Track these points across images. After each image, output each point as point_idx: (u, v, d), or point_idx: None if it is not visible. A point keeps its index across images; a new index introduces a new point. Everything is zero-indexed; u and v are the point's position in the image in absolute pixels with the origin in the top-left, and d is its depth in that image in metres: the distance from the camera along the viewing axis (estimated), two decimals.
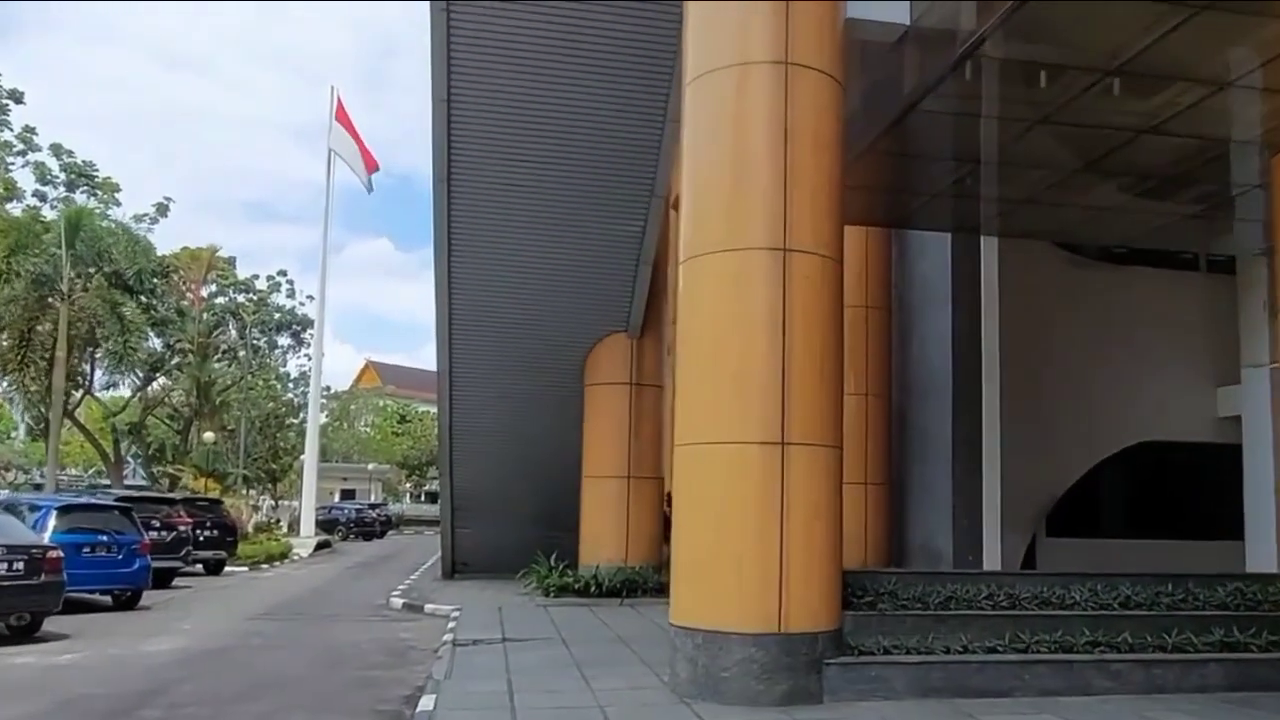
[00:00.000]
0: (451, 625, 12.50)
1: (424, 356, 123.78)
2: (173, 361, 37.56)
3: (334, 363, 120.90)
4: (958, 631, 8.44)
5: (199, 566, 21.35)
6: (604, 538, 15.60)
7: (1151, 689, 8.17)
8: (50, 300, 30.38)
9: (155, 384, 39.15)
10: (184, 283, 37.43)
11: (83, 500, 17.80)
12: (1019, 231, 14.25)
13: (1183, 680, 8.25)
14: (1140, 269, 16.47)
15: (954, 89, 9.46)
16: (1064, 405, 15.51)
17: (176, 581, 18.62)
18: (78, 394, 35.18)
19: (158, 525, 18.10)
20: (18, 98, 31.13)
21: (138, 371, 36.07)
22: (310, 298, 41.28)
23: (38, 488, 38.07)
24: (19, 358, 31.93)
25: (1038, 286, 15.50)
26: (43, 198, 32.55)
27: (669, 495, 18.32)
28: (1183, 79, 8.97)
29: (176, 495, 25.27)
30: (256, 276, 42.20)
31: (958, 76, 9.18)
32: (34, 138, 31.87)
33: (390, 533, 46.32)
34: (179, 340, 36.49)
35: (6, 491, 32.93)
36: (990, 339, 14.97)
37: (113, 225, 32.61)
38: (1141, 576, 9.39)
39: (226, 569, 22.66)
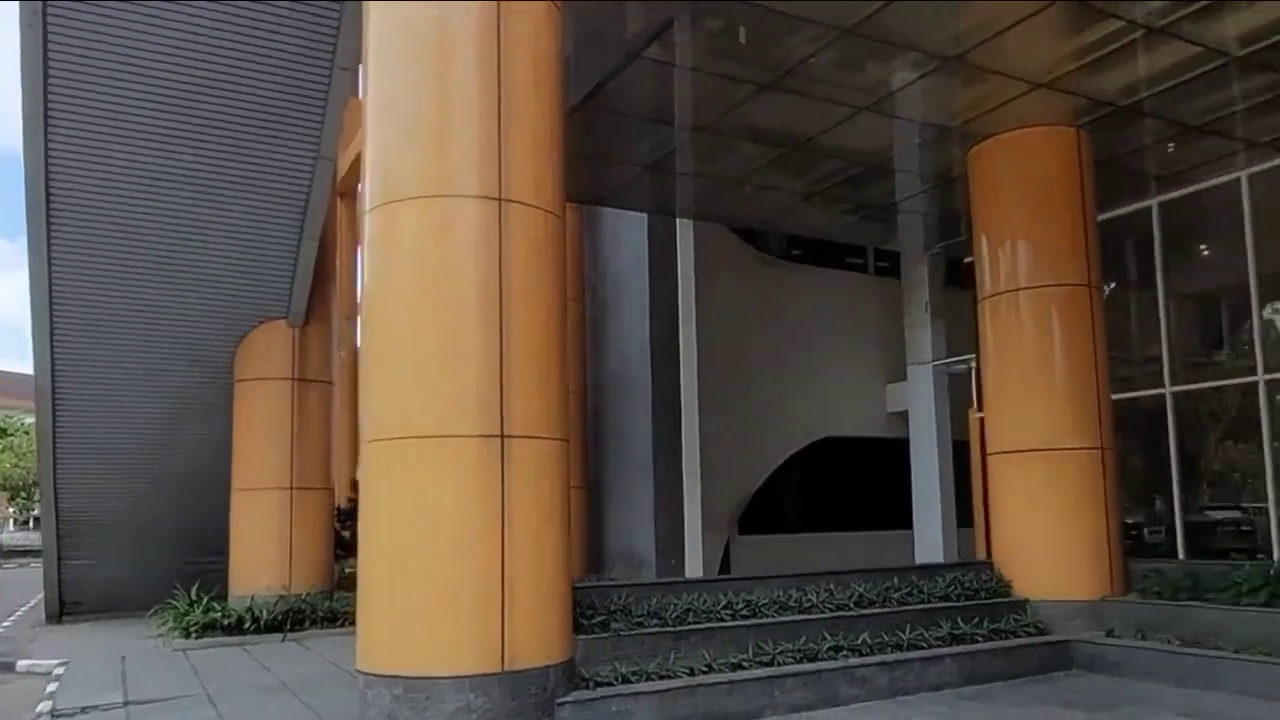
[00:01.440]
0: (52, 687, 9.49)
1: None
2: None
3: None
4: (700, 648, 7.35)
5: None
6: (261, 561, 12.95)
7: (896, 692, 7.60)
8: None
9: None
10: None
11: None
12: (720, 216, 13.81)
13: (923, 680, 7.77)
14: (820, 270, 16.83)
15: (669, 47, 8.52)
16: (756, 403, 15.35)
17: None
18: None
19: None
20: None
21: None
22: None
23: None
24: None
25: (730, 284, 15.23)
26: None
27: (341, 509, 16.03)
28: (907, 49, 8.61)
29: None
30: None
31: (672, 34, 8.27)
32: None
33: None
34: None
35: None
36: (688, 335, 14.40)
37: None
38: (871, 572, 8.91)
39: None
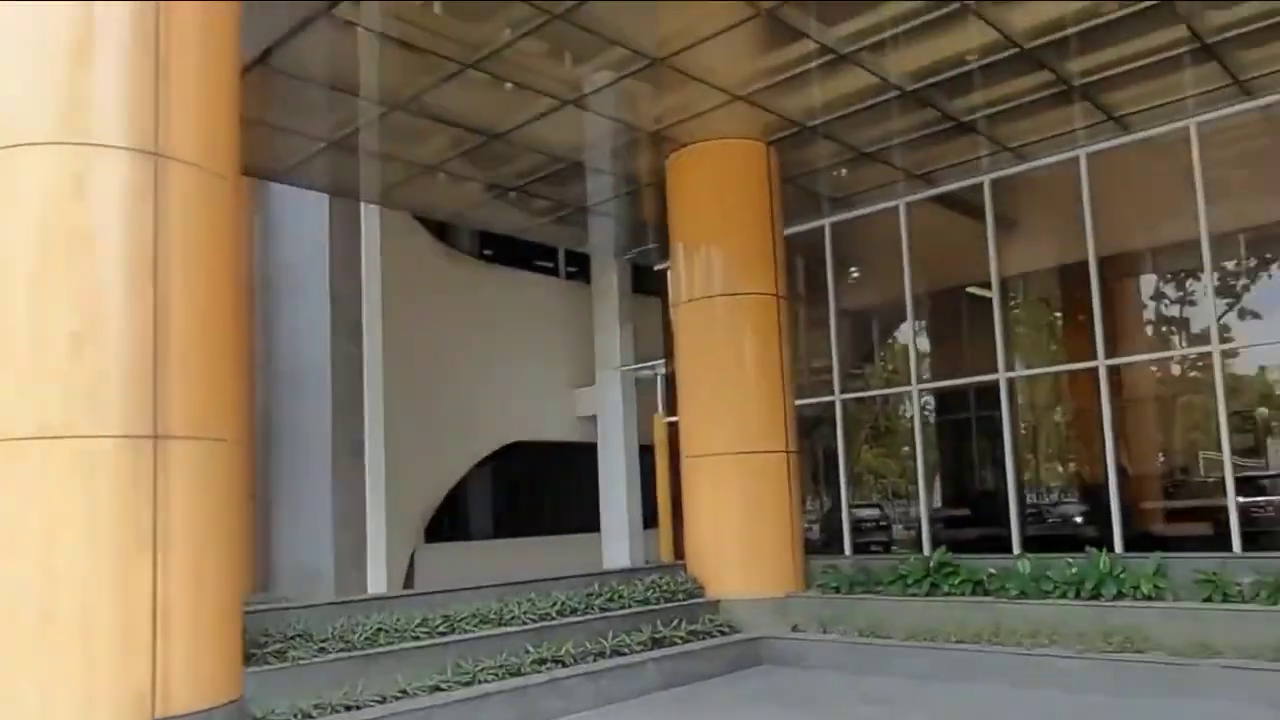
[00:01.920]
0: None
1: None
2: None
3: None
4: (394, 672, 6.61)
5: None
6: None
7: (601, 701, 7.33)
8: None
9: None
10: None
11: None
12: (411, 206, 12.99)
13: (628, 686, 7.57)
14: (511, 270, 16.50)
15: (358, 7, 7.75)
16: (444, 405, 14.66)
17: None
18: None
19: None
20: None
21: None
22: None
23: None
24: None
25: (419, 280, 14.43)
26: None
27: None
28: (615, 45, 8.44)
29: None
30: None
31: None
32: None
33: None
34: None
35: None
36: (373, 332, 13.41)
37: None
38: (573, 579, 8.62)
39: None
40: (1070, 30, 8.27)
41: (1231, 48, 8.59)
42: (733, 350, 9.70)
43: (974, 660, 7.41)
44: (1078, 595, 7.61)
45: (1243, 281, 13.83)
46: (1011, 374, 10.96)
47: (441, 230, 15.51)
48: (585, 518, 16.30)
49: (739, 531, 9.39)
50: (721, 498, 9.48)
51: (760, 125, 9.96)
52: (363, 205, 13.04)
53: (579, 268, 17.44)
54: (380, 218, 13.33)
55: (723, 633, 8.77)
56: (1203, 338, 14.10)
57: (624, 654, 7.82)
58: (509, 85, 8.98)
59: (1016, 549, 9.82)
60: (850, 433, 12.24)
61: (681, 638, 8.37)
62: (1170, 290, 14.45)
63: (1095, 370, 10.33)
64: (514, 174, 11.32)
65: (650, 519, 16.14)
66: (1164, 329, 15.05)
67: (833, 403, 12.07)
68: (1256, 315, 12.50)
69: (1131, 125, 10.06)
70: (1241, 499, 14.47)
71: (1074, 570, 7.79)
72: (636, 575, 9.23)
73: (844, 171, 11.34)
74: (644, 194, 11.91)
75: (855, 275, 13.77)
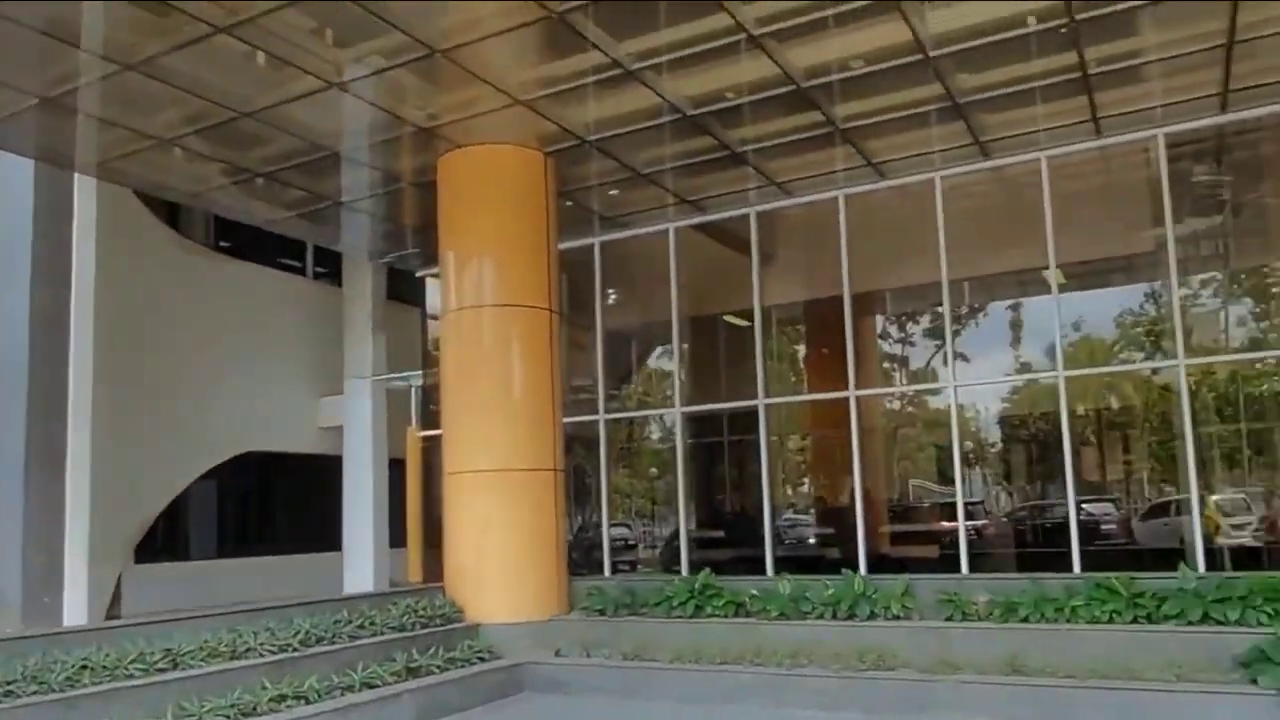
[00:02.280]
0: None
1: None
2: None
3: None
4: (100, 718, 5.63)
5: None
6: None
7: None
8: None
9: None
10: None
11: None
12: (136, 182, 11.51)
13: None
14: (252, 266, 15.19)
15: None
16: (166, 411, 13.18)
17: None
18: None
19: None
20: None
21: None
22: None
23: None
24: None
25: (140, 269, 12.92)
26: None
27: None
28: (394, 29, 7.84)
29: None
30: None
31: None
32: None
33: None
34: None
35: None
36: (82, 325, 11.75)
37: None
38: (318, 604, 7.85)
39: None
40: (841, 75, 8.64)
41: (977, 109, 9.35)
42: (502, 363, 9.32)
43: (737, 681, 7.46)
44: (834, 616, 7.88)
45: (968, 325, 15.27)
46: (770, 400, 11.32)
47: (172, 214, 13.98)
48: (325, 535, 15.21)
49: (503, 552, 8.99)
50: (486, 516, 9.03)
51: (540, 134, 9.69)
52: (77, 177, 11.41)
53: (329, 268, 16.35)
54: (98, 194, 11.74)
55: (483, 659, 8.32)
56: (926, 376, 15.39)
57: (376, 686, 7.18)
58: (266, 58, 8.12)
59: (770, 570, 10.11)
60: (619, 451, 12.21)
61: (439, 666, 7.83)
62: (909, 328, 15.66)
63: (843, 400, 10.88)
64: (263, 158, 10.31)
65: (398, 538, 15.31)
66: (893, 365, 16.29)
67: (595, 421, 11.96)
68: (964, 358, 13.79)
69: (887, 172, 10.72)
70: (948, 524, 15.97)
71: (831, 592, 8.06)
72: (390, 599, 8.59)
73: (618, 190, 11.30)
74: (409, 194, 11.26)
75: (618, 296, 13.79)
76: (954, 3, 7.48)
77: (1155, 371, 14.10)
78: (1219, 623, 6.66)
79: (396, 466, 15.44)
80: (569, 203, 11.20)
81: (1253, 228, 11.02)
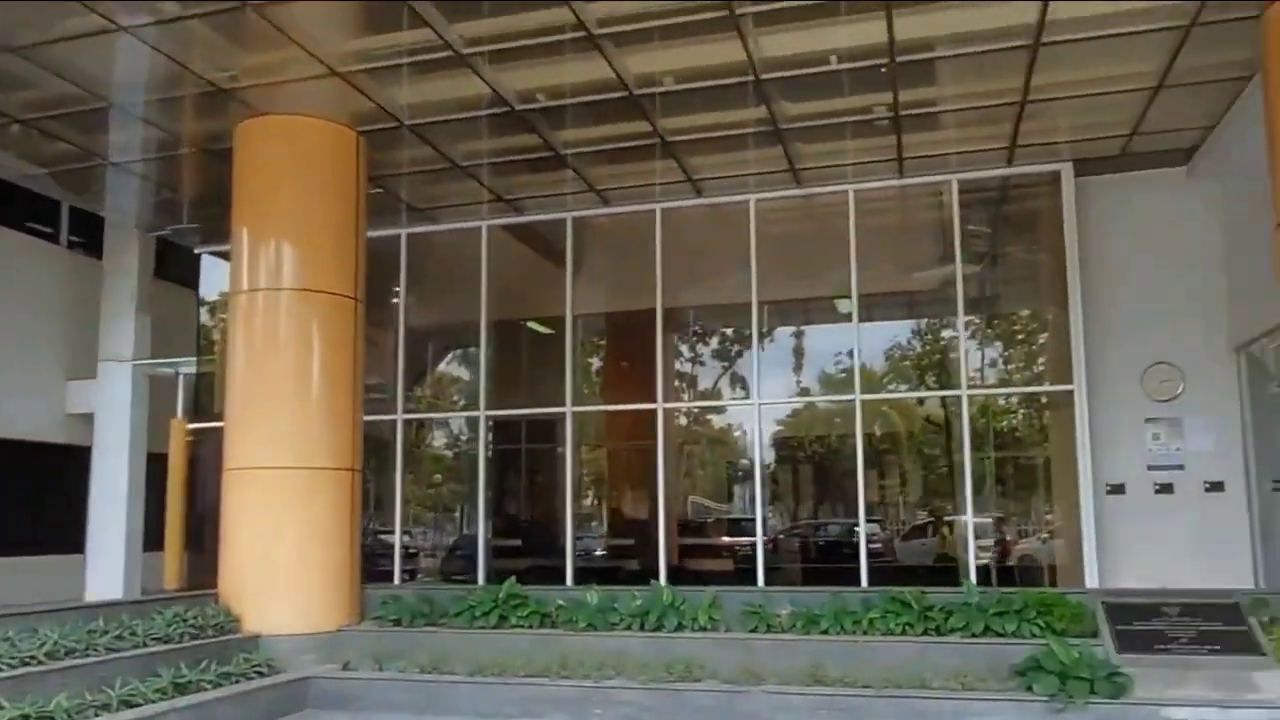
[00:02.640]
0: None
1: None
2: None
3: None
4: None
5: None
6: None
7: None
8: None
9: None
10: None
11: None
12: None
13: None
14: None
15: None
16: None
17: None
18: None
19: None
20: None
21: None
22: None
23: None
24: None
25: None
26: None
27: None
28: None
29: None
30: None
31: None
32: None
33: None
34: None
35: None
36: None
37: None
38: (69, 611, 6.89)
39: None
40: (671, 87, 8.65)
41: (795, 137, 9.66)
42: (300, 353, 8.61)
43: (542, 694, 7.20)
44: (642, 627, 7.80)
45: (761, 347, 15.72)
46: (578, 408, 11.18)
47: None
48: (65, 535, 13.55)
49: (291, 557, 8.27)
50: (272, 518, 8.28)
51: (355, 111, 9.05)
52: None
53: (87, 237, 14.65)
54: None
55: (261, 674, 7.56)
56: (714, 394, 15.74)
57: (137, 705, 6.33)
58: None
59: (570, 580, 9.93)
60: (406, 455, 11.64)
61: (211, 682, 7.04)
62: (700, 348, 15.98)
63: (644, 413, 10.92)
64: (22, 103, 9.05)
65: (153, 540, 13.88)
66: (683, 383, 16.48)
67: (393, 422, 11.37)
68: (744, 383, 14.27)
69: (704, 190, 10.90)
70: (733, 539, 16.46)
71: (639, 603, 7.99)
72: (154, 607, 7.69)
73: (433, 181, 10.82)
74: (194, 160, 10.17)
75: (422, 292, 13.21)
76: (790, 30, 7.67)
77: (922, 402, 15.20)
78: (998, 634, 7.13)
79: (155, 461, 14.05)
80: (378, 189, 10.60)
81: (1010, 277, 11.96)
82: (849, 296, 10.58)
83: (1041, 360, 11.25)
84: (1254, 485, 9.38)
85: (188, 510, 13.39)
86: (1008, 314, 12.16)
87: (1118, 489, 9.63)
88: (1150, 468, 9.66)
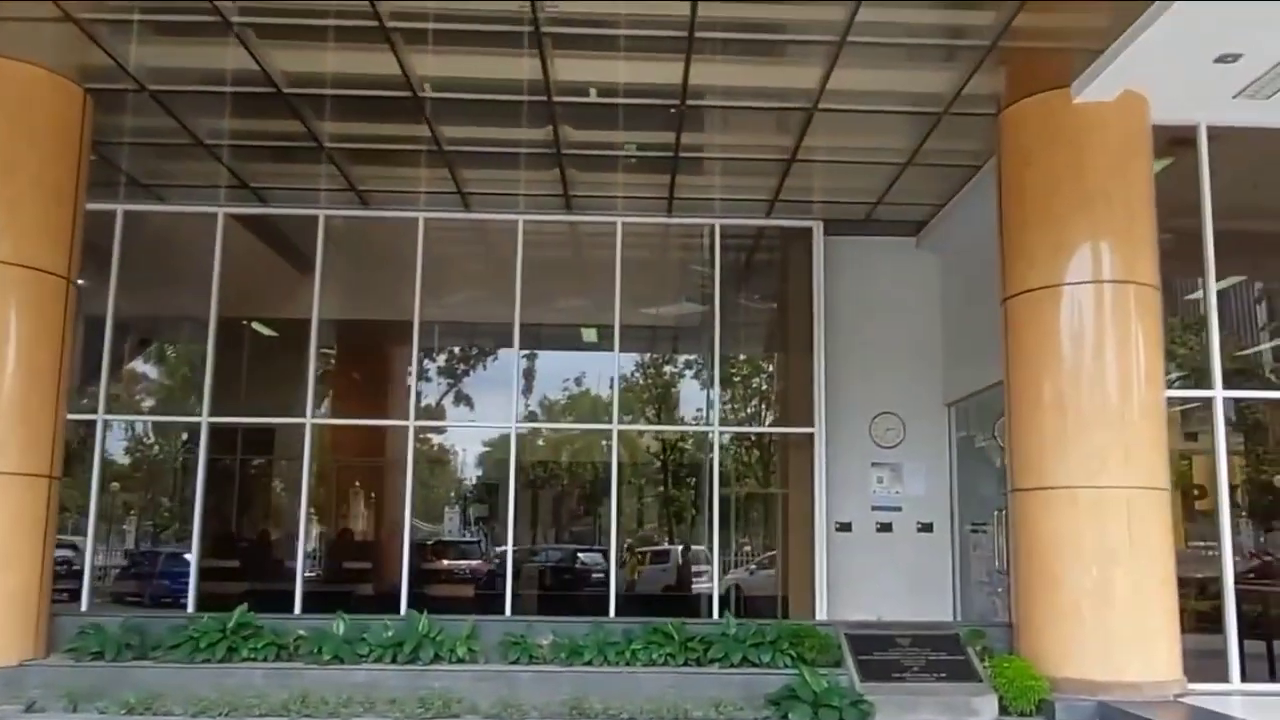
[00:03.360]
0: None
1: None
2: None
3: None
4: None
5: None
6: None
7: None
8: None
9: None
10: None
11: None
12: None
13: None
14: None
15: None
16: None
17: None
18: None
19: None
20: None
21: None
22: None
23: None
24: None
25: None
26: None
27: None
28: None
29: None
30: None
31: None
32: None
33: None
34: None
35: None
36: None
37: None
38: None
39: None
40: (458, 95, 8.28)
41: (461, 161, 9.51)
42: None
43: None
44: (394, 659, 7.25)
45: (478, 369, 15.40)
46: (319, 420, 10.34)
47: None
48: None
49: None
50: None
51: (86, 65, 7.85)
52: None
53: None
54: None
55: None
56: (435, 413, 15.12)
57: None
58: None
59: (299, 608, 9.10)
60: (105, 460, 10.17)
61: None
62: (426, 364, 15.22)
63: (374, 429, 10.32)
64: None
65: None
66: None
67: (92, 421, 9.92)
68: (469, 401, 14.03)
69: (472, 204, 10.54)
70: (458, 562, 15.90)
71: (390, 633, 7.44)
72: None
73: (166, 156, 9.61)
74: None
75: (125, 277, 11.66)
76: (585, 57, 7.63)
77: (641, 434, 15.53)
78: (754, 665, 7.36)
79: None
80: (94, 156, 9.23)
81: (751, 321, 12.62)
82: (603, 325, 10.66)
83: (772, 404, 11.90)
84: (957, 527, 10.51)
85: None
86: (747, 357, 12.67)
87: (845, 527, 10.39)
88: (874, 508, 10.53)
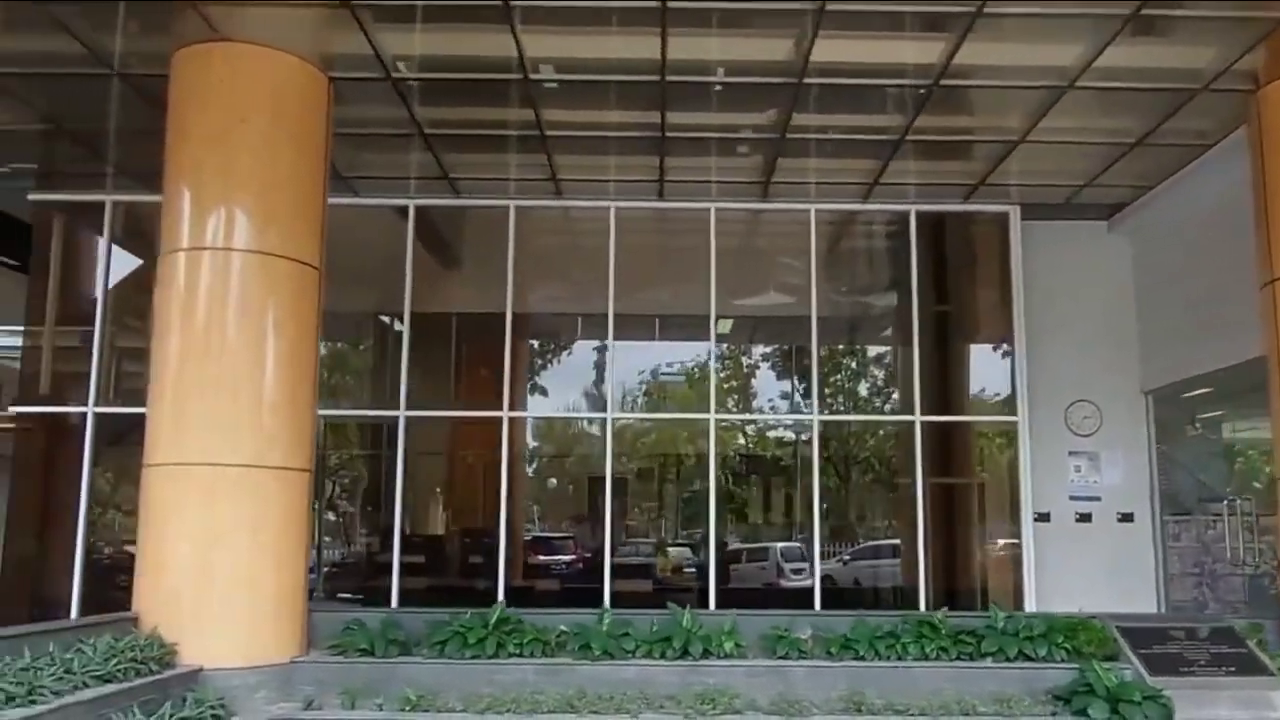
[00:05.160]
0: None
1: None
2: None
3: None
4: None
5: None
6: None
7: None
8: None
9: None
10: None
11: None
12: None
13: None
14: None
15: None
16: None
17: None
18: None
19: None
20: None
21: None
22: None
23: None
24: None
25: None
26: None
27: None
28: None
29: None
30: None
31: None
32: None
33: None
34: None
35: None
36: None
37: None
38: None
39: None
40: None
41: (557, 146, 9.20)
42: (253, 328, 7.12)
43: None
44: (664, 655, 7.10)
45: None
46: (523, 414, 10.19)
47: None
48: None
49: (236, 574, 6.75)
50: (213, 526, 6.71)
51: (333, 53, 7.59)
52: None
53: None
54: None
55: (217, 717, 6.10)
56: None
57: None
58: None
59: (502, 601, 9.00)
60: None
61: None
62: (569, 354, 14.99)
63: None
64: None
65: None
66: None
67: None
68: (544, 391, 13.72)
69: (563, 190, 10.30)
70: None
71: (656, 628, 7.29)
72: (78, 634, 5.99)
73: (365, 147, 9.45)
74: (91, 84, 8.12)
75: None
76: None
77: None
78: (1029, 659, 7.17)
79: None
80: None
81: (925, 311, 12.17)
82: (715, 316, 10.35)
83: (964, 393, 11.56)
84: (1157, 517, 10.25)
85: None
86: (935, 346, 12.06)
87: (1044, 517, 10.16)
88: (1072, 498, 10.28)
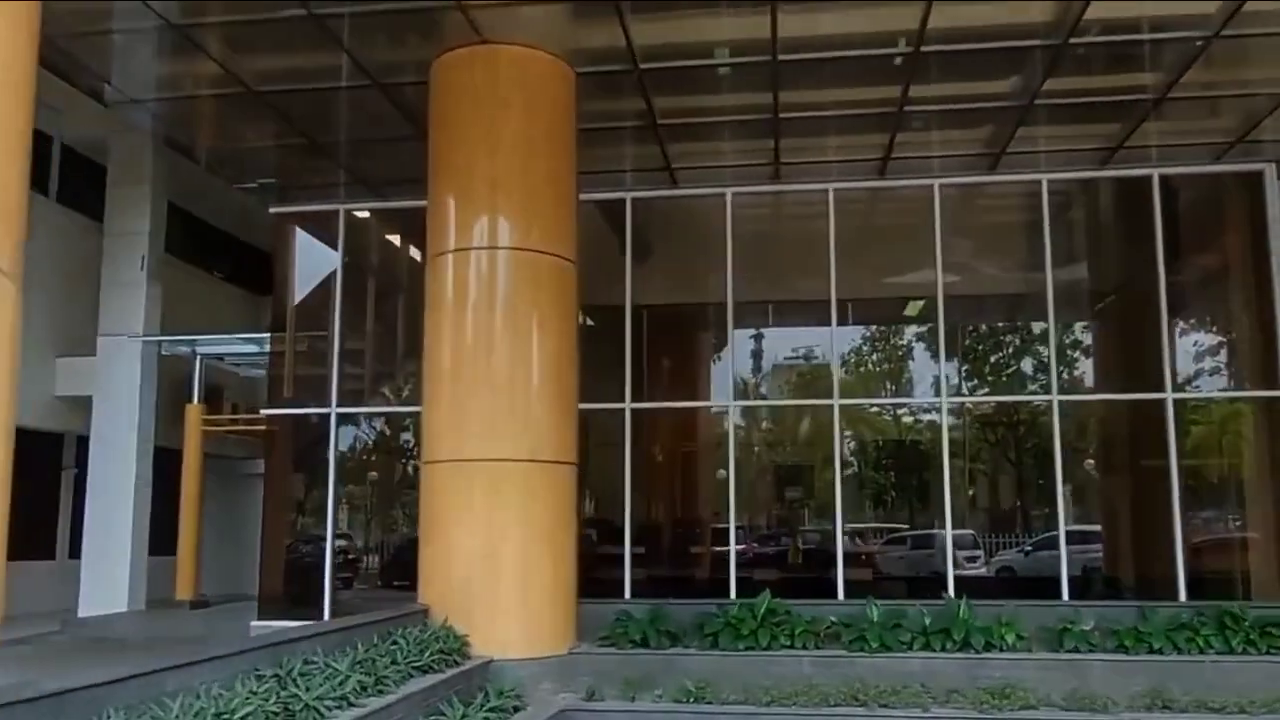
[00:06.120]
0: None
1: None
2: None
3: None
4: None
5: None
6: None
7: None
8: None
9: None
10: None
11: None
12: None
13: None
14: None
15: None
16: None
17: None
18: None
19: None
20: None
21: None
22: None
23: None
24: None
25: None
26: None
27: None
28: None
29: None
30: None
31: None
32: None
33: None
34: None
35: None
36: None
37: None
38: (314, 637, 5.40)
39: None
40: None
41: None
42: (519, 328, 7.24)
43: None
44: (943, 647, 6.89)
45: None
46: (741, 403, 10.05)
47: None
48: (46, 538, 11.55)
49: (518, 565, 6.91)
50: (499, 520, 6.89)
51: (581, 48, 7.62)
52: None
53: (86, 193, 12.48)
54: None
55: (516, 708, 6.24)
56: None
57: None
58: None
59: (733, 593, 8.87)
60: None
61: None
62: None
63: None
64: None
65: (163, 544, 11.90)
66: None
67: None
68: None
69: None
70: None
71: (929, 619, 7.08)
72: (392, 626, 6.21)
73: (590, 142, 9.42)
74: (349, 96, 8.34)
75: None
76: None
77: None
78: None
79: (167, 456, 12.08)
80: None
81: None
82: (941, 297, 9.83)
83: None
84: None
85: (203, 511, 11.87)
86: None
87: None
88: None
